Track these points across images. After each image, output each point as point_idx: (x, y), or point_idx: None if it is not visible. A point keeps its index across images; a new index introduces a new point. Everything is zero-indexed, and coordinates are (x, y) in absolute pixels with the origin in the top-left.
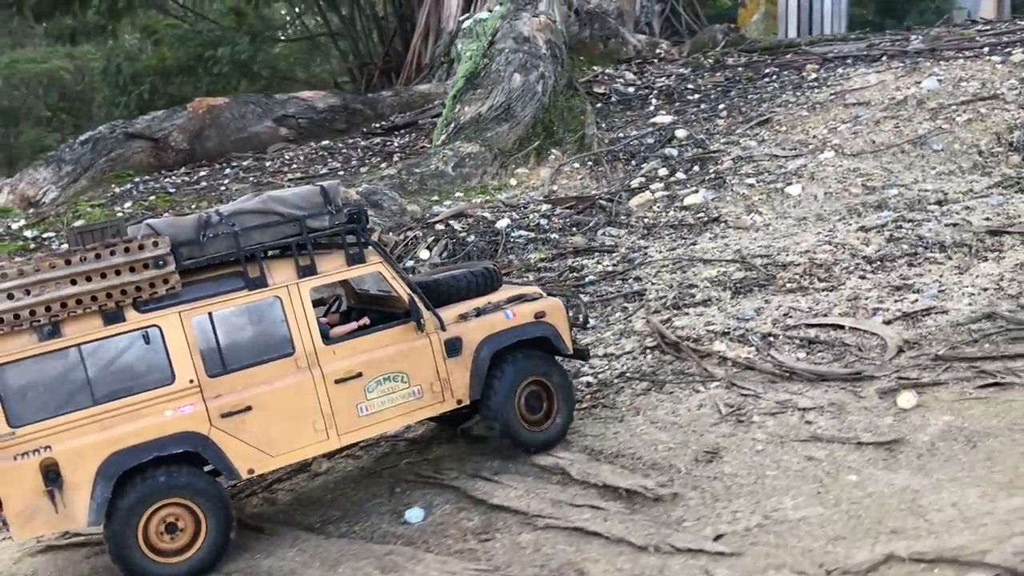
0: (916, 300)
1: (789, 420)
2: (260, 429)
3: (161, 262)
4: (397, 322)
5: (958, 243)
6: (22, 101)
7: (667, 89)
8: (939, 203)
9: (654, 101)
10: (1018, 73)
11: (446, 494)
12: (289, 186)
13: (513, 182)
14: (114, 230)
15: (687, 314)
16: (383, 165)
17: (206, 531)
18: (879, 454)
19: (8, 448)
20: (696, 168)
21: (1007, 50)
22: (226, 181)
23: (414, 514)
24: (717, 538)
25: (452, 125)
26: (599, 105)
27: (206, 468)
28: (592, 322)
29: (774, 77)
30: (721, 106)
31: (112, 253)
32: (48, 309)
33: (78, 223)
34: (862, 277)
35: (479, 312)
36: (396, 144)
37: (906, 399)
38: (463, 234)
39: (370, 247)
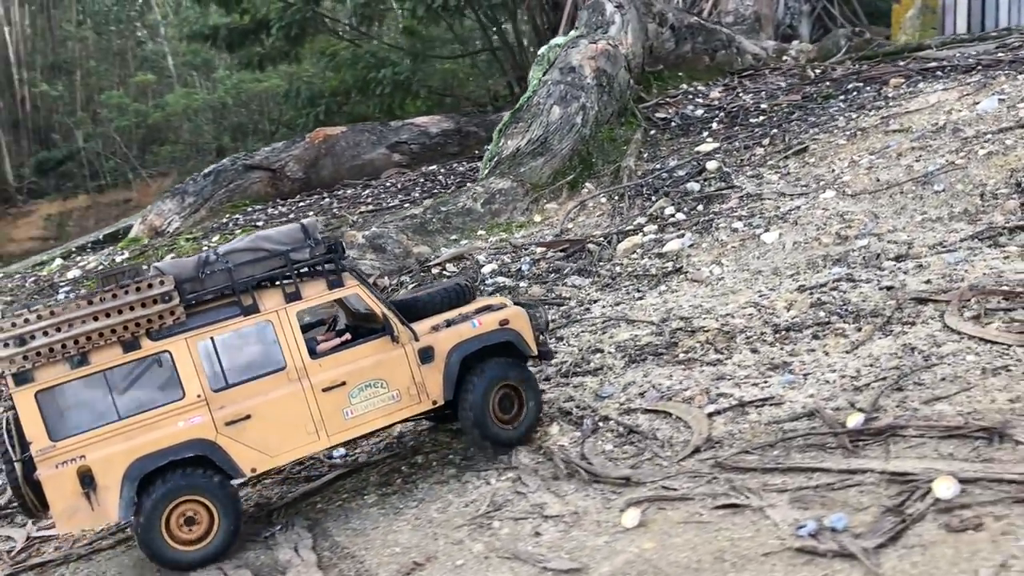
0: (767, 386)
1: (523, 529)
2: (259, 434)
3: (167, 297)
4: (375, 336)
5: (875, 312)
6: (249, 117)
7: (735, 110)
8: (898, 258)
9: (714, 125)
10: None
11: None
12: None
13: (538, 218)
14: (132, 272)
15: (569, 383)
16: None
17: (219, 523)
18: None
19: (50, 459)
20: (700, 207)
21: None
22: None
23: None
24: None
25: (495, 159)
26: (652, 132)
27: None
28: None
29: (854, 94)
30: (775, 131)
31: (126, 292)
32: (76, 342)
33: (169, 256)
34: (754, 351)
35: (449, 323)
36: None
37: (630, 517)
38: (448, 277)
39: (347, 272)
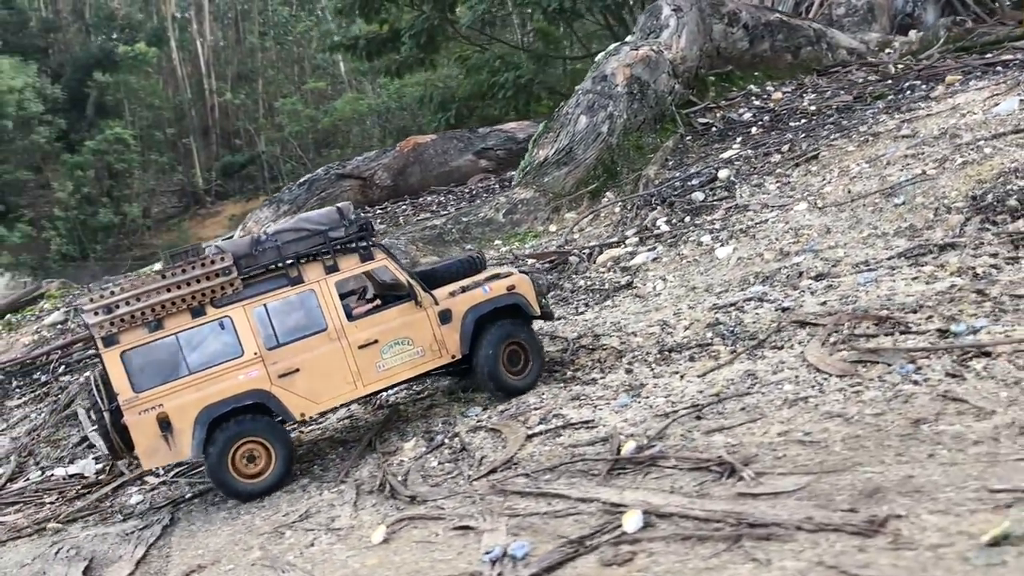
0: (602, 408)
1: (304, 540)
2: (307, 384)
3: (227, 271)
4: (401, 301)
5: (753, 335)
6: (413, 120)
7: (782, 113)
8: (819, 277)
9: (753, 130)
10: None
11: None
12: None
13: (554, 228)
14: (195, 251)
15: (458, 400)
16: None
17: (275, 459)
18: None
19: (134, 407)
20: (688, 219)
21: None
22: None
23: None
24: None
25: (527, 168)
26: (688, 138)
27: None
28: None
29: (907, 92)
30: (802, 135)
31: (193, 267)
32: (152, 310)
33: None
34: (628, 371)
35: (464, 289)
36: None
37: (378, 534)
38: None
39: (376, 248)
